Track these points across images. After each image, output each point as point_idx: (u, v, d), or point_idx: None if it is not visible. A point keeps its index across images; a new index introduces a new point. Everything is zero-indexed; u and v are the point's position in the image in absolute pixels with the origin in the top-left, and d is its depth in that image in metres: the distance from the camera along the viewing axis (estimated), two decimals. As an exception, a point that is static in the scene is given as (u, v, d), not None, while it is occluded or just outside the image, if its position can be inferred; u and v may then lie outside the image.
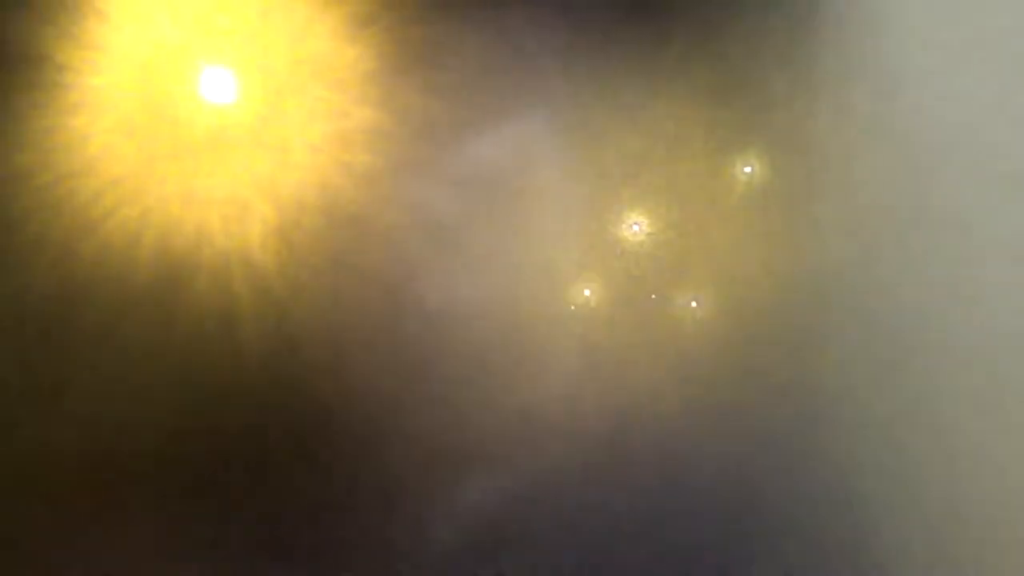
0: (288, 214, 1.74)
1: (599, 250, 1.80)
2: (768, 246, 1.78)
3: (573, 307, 1.77)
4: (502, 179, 1.80)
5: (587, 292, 1.78)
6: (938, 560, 1.71)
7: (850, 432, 1.73)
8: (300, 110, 1.77)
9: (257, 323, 1.71)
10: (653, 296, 1.76)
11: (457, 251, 1.77)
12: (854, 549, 1.71)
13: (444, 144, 1.78)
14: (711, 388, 1.75)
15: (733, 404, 1.75)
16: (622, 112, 1.83)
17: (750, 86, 1.80)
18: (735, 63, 1.80)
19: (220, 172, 1.74)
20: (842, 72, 1.77)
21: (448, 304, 1.75)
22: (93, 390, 1.68)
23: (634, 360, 1.76)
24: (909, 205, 1.77)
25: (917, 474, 1.72)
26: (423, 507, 1.70)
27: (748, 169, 1.80)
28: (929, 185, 1.76)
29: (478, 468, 1.72)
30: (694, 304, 1.78)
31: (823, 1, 1.80)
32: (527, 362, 1.75)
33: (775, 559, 1.72)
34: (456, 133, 1.79)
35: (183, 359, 1.69)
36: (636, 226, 1.79)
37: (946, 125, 1.77)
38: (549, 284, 1.78)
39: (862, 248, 1.77)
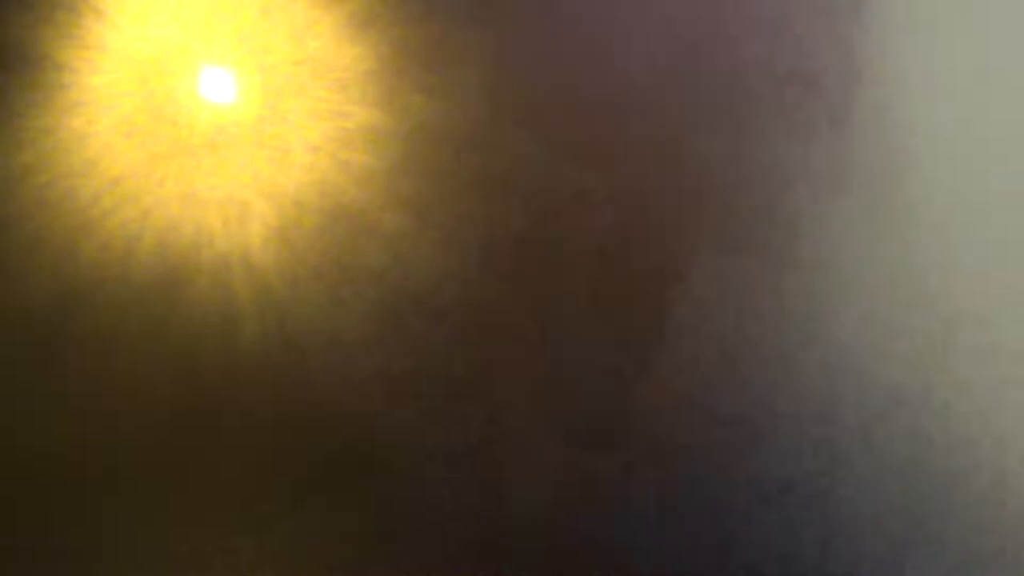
0: (288, 214, 1.74)
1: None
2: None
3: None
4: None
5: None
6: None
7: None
8: (300, 110, 1.77)
9: (258, 323, 1.71)
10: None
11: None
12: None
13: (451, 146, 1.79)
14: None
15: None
16: (628, 114, 1.83)
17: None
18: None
19: (220, 172, 1.74)
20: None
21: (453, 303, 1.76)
22: (93, 390, 1.68)
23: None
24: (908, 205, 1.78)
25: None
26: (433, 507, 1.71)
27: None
28: (929, 185, 1.76)
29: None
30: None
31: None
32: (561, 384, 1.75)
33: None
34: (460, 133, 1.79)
35: (182, 359, 1.69)
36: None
37: (944, 124, 1.78)
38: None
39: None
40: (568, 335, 1.77)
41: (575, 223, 1.80)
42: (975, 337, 1.71)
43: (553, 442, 1.75)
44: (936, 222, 1.70)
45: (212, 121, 1.76)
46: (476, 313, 1.76)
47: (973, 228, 1.72)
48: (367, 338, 1.73)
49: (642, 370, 1.76)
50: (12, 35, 1.75)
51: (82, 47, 1.76)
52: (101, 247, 1.72)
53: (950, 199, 1.72)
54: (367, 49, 1.81)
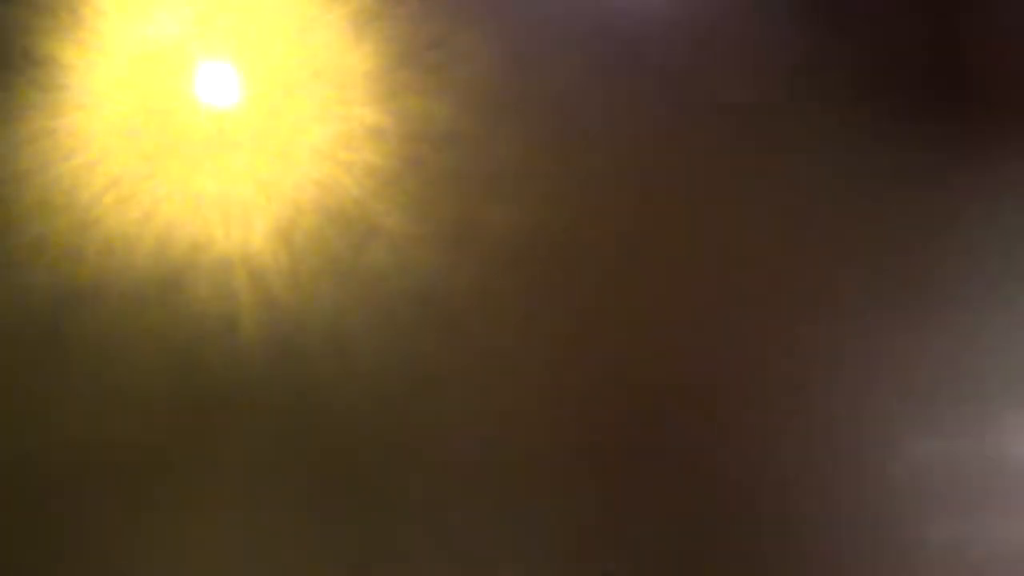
0: (289, 214, 1.74)
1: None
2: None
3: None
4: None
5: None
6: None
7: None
8: (301, 111, 1.77)
9: (258, 323, 1.71)
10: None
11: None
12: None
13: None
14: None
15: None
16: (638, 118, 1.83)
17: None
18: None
19: (221, 173, 1.74)
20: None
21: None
22: (93, 390, 1.68)
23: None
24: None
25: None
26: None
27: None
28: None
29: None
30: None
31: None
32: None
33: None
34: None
35: (182, 359, 1.69)
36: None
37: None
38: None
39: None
40: (575, 335, 1.76)
41: (581, 222, 1.80)
42: None
43: (562, 446, 1.74)
44: None
45: (213, 122, 1.76)
46: (479, 312, 1.75)
47: None
48: (368, 337, 1.72)
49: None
50: (14, 35, 1.75)
51: (84, 48, 1.76)
52: (101, 247, 1.72)
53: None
54: (368, 50, 1.81)
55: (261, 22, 1.79)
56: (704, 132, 1.83)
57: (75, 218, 1.73)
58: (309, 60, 1.79)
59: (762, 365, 1.77)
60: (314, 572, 1.67)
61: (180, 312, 1.71)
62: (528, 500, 1.72)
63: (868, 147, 1.84)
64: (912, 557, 1.74)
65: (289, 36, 1.79)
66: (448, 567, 1.70)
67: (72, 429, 1.68)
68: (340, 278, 1.75)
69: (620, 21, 1.86)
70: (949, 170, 1.84)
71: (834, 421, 1.76)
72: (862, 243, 1.82)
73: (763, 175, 1.82)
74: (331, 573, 1.68)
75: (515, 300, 1.77)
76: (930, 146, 1.84)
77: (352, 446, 1.70)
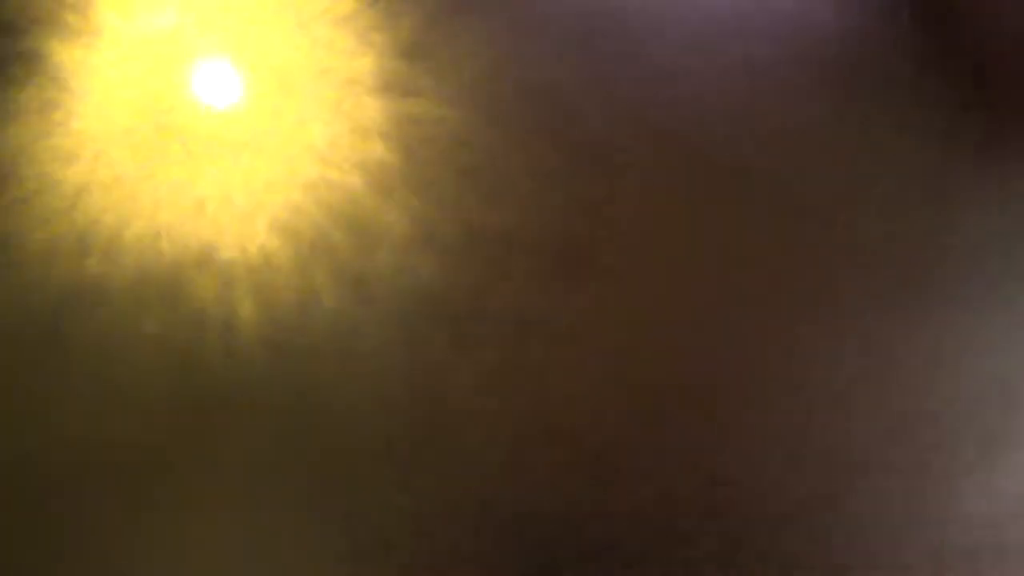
0: (292, 217, 1.75)
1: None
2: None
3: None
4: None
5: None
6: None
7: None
8: (305, 111, 1.77)
9: (261, 328, 1.72)
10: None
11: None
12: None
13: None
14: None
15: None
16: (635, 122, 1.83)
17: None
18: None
19: (223, 175, 1.75)
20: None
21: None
22: (92, 391, 1.69)
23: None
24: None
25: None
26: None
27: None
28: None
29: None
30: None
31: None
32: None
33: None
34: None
35: (183, 364, 1.70)
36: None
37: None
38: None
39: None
40: (575, 335, 1.77)
41: (581, 222, 1.81)
42: None
43: (540, 463, 1.75)
44: None
45: (213, 122, 1.77)
46: (479, 312, 1.76)
47: None
48: (373, 343, 1.73)
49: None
50: (14, 35, 1.76)
51: (84, 48, 1.77)
52: (101, 247, 1.72)
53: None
54: (369, 50, 1.81)
55: (262, 22, 1.80)
56: (705, 132, 1.84)
57: (75, 218, 1.73)
58: (310, 60, 1.79)
59: (762, 365, 1.78)
60: (314, 572, 1.68)
61: (180, 312, 1.71)
62: (529, 500, 1.73)
63: (868, 146, 1.85)
64: (912, 557, 1.75)
65: (290, 36, 1.80)
66: (449, 567, 1.70)
67: (72, 429, 1.69)
68: (340, 278, 1.75)
69: (621, 19, 1.87)
70: (949, 170, 1.85)
71: (834, 421, 1.77)
72: (862, 243, 1.83)
73: (763, 175, 1.83)
74: (331, 573, 1.69)
75: (515, 300, 1.78)
76: (930, 145, 1.85)
77: (352, 446, 1.71)
